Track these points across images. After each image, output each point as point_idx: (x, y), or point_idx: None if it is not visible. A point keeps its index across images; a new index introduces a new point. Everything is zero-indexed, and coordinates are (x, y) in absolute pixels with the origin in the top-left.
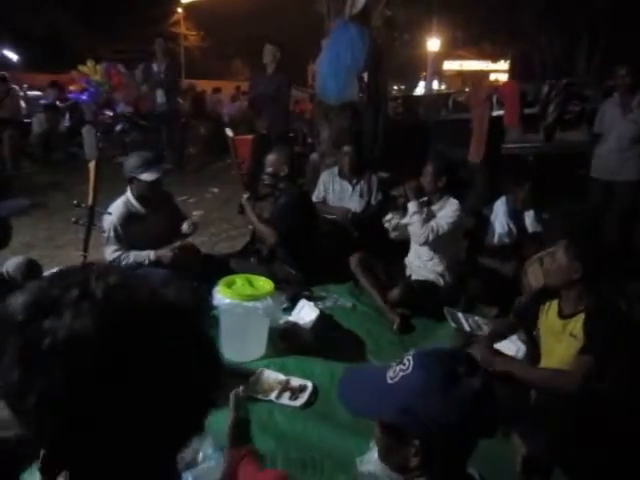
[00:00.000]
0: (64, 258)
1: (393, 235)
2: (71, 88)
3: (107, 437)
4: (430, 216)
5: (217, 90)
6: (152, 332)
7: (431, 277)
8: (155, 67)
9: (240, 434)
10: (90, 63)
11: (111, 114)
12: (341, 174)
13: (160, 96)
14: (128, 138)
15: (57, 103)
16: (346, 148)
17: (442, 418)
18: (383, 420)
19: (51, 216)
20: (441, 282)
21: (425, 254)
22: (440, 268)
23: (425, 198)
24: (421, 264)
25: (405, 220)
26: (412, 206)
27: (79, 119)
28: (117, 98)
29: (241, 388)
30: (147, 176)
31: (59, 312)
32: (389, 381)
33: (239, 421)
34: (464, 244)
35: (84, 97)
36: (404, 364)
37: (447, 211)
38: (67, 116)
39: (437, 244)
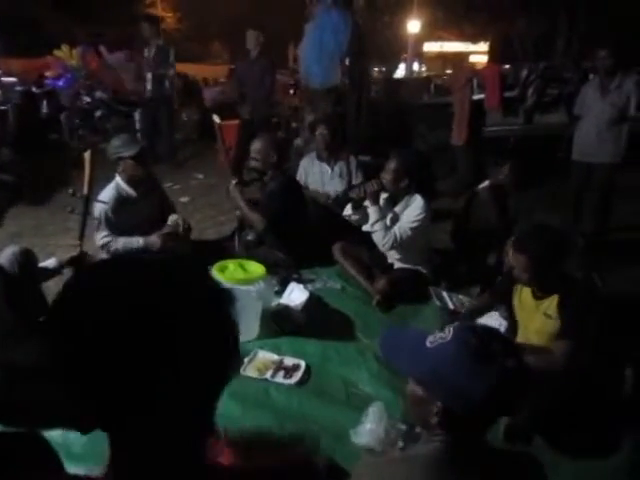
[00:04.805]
0: (53, 247)
1: (356, 224)
2: (47, 74)
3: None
4: (394, 220)
5: None
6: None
7: (414, 265)
8: (146, 52)
9: None
10: (65, 47)
11: (89, 100)
12: (319, 157)
13: (149, 83)
14: (109, 124)
15: (33, 89)
16: (319, 129)
17: (467, 388)
18: (415, 377)
19: (36, 205)
20: (423, 271)
21: (394, 254)
22: (413, 262)
23: (386, 195)
24: (394, 260)
25: (366, 228)
26: (373, 213)
27: (57, 106)
28: (94, 84)
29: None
30: (129, 151)
31: None
32: (428, 345)
33: None
34: (449, 227)
35: (60, 83)
36: (444, 333)
37: (411, 212)
38: (44, 103)
39: (403, 245)
